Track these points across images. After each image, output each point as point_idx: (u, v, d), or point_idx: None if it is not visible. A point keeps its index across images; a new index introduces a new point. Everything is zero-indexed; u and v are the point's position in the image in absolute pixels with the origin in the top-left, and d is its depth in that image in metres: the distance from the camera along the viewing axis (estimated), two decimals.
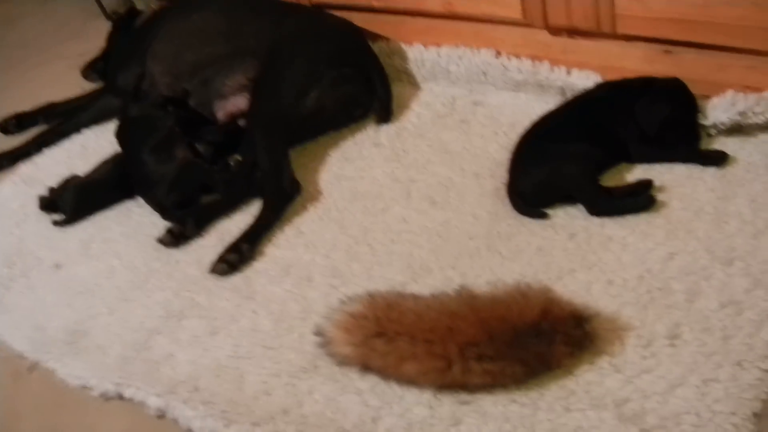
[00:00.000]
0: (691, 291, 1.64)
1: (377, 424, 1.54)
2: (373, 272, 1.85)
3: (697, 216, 1.80)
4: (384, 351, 1.55)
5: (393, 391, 1.57)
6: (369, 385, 1.59)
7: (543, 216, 1.88)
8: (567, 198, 1.89)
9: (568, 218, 1.87)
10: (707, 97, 2.00)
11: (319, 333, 1.64)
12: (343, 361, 1.62)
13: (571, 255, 1.77)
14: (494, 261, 1.80)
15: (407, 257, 1.87)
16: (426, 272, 1.82)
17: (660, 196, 1.85)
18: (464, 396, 1.53)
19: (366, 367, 1.59)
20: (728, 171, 1.89)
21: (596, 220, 1.84)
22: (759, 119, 1.92)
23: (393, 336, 1.54)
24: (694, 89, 1.98)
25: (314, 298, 1.82)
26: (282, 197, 2.08)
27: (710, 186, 1.86)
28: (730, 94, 1.96)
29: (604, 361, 1.54)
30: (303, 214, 2.07)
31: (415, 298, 1.64)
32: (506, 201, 1.94)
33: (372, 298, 1.64)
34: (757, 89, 1.95)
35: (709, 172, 1.90)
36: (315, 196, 2.12)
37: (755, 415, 1.42)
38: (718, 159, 1.91)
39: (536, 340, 1.48)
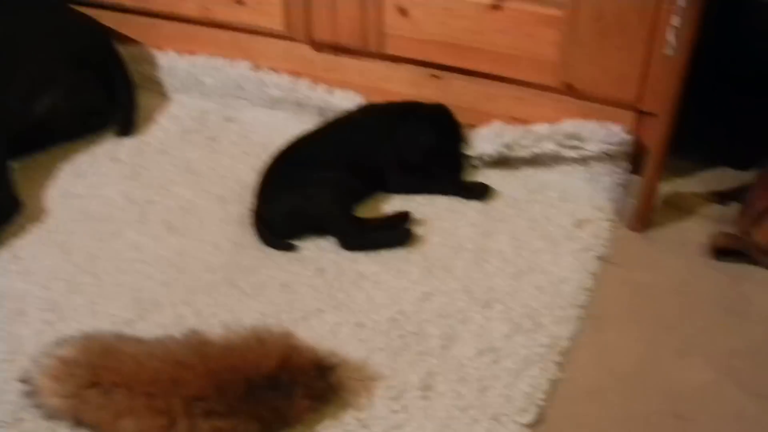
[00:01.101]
0: (447, 336, 1.49)
1: None
2: (97, 307, 1.60)
3: (457, 253, 1.67)
4: (98, 404, 1.31)
5: None
6: None
7: (290, 248, 1.69)
8: (317, 229, 1.71)
9: (318, 252, 1.69)
10: (473, 126, 1.90)
11: (25, 380, 1.38)
12: (51, 415, 1.35)
13: (318, 293, 1.59)
14: (233, 297, 1.59)
15: (136, 290, 1.63)
16: (156, 308, 1.58)
17: (418, 230, 1.71)
18: None
19: (78, 422, 1.34)
20: (491, 205, 1.79)
21: (348, 255, 1.67)
22: (524, 152, 1.83)
23: (109, 387, 1.31)
24: (461, 118, 1.88)
25: (25, 335, 1.54)
26: None
27: (471, 221, 1.74)
28: (496, 124, 1.86)
29: (349, 416, 1.36)
30: (22, 235, 1.77)
31: (137, 342, 1.40)
32: (251, 230, 1.73)
33: (87, 341, 1.39)
34: (524, 121, 1.87)
35: (472, 206, 1.78)
36: (38, 215, 1.83)
37: None
38: (481, 192, 1.80)
39: (273, 393, 1.29)
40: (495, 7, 1.77)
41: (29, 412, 1.37)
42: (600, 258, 1.66)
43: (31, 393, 1.36)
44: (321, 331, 1.51)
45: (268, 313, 1.55)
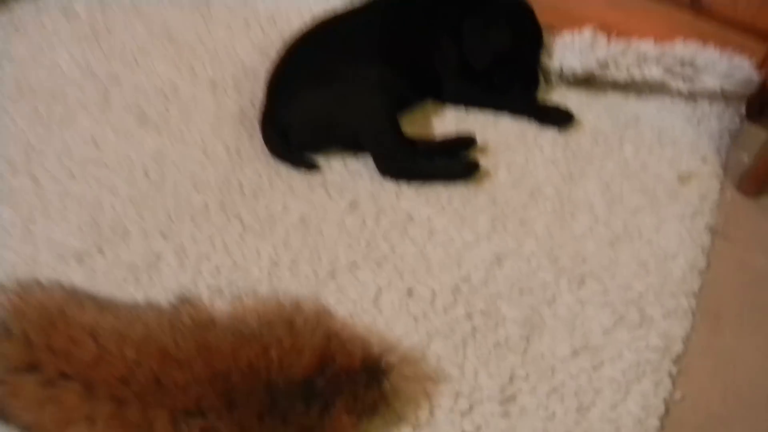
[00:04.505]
0: (530, 322, 1.09)
1: None
2: (36, 227, 1.16)
3: (534, 200, 1.27)
4: (36, 399, 0.87)
5: None
6: None
7: (310, 167, 1.27)
8: (348, 143, 1.29)
9: (349, 177, 1.27)
10: (556, 30, 1.48)
11: None
12: None
13: (351, 237, 1.17)
14: (231, 232, 1.16)
15: (93, 206, 1.19)
16: (121, 238, 1.15)
17: (482, 162, 1.28)
18: None
19: (5, 418, 0.89)
20: (572, 137, 1.39)
21: (391, 186, 1.25)
22: (620, 75, 1.44)
23: (54, 377, 0.87)
24: (541, 17, 1.45)
25: None
26: None
27: (549, 156, 1.35)
28: (588, 33, 1.43)
29: None
30: None
31: (100, 310, 0.94)
32: (257, 134, 1.29)
33: (23, 298, 0.93)
34: (621, 33, 1.47)
35: (548, 136, 1.39)
36: None
37: None
38: (562, 119, 1.42)
39: (304, 406, 0.85)
40: None
41: None
42: (710, 229, 1.26)
43: None
44: (356, 295, 1.09)
45: (280, 260, 1.11)
